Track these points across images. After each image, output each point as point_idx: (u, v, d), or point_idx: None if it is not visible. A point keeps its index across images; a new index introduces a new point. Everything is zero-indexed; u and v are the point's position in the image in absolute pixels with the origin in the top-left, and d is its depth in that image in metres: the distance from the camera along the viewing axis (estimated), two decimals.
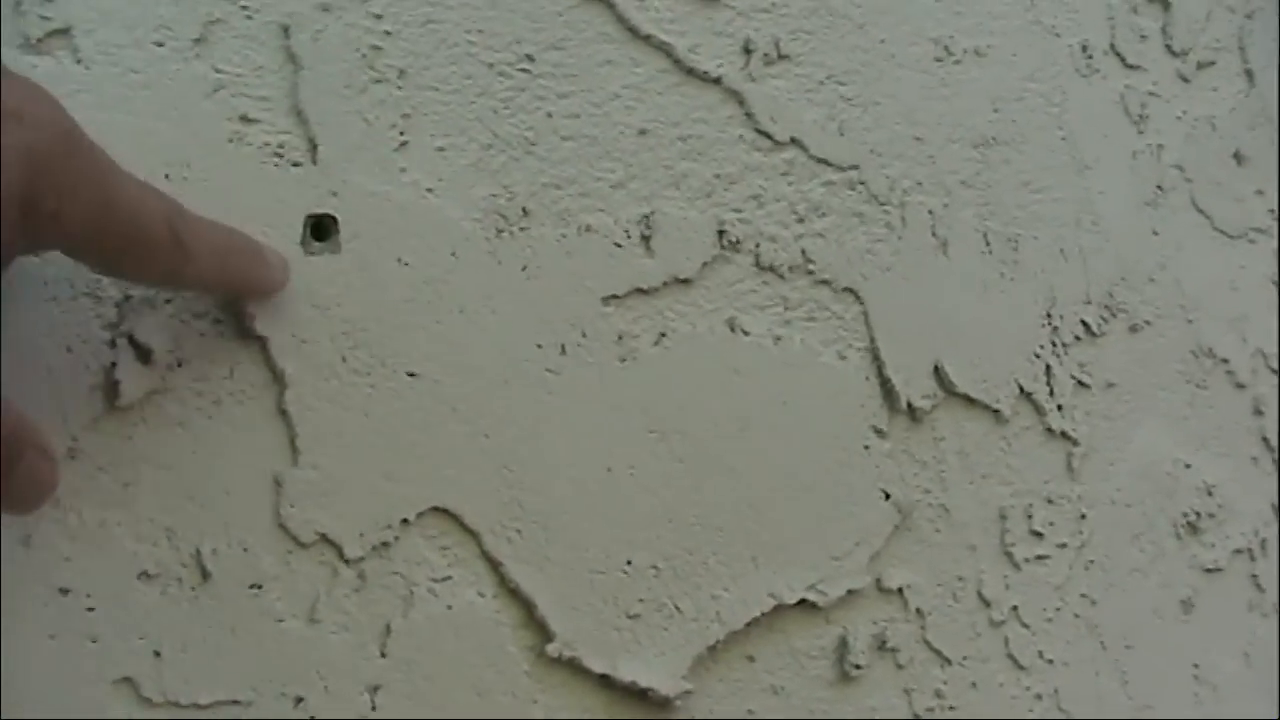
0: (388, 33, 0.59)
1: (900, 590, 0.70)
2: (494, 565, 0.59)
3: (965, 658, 0.72)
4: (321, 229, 0.57)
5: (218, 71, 0.56)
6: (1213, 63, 0.87)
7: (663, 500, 0.63)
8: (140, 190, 0.47)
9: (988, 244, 0.74)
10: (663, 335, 0.64)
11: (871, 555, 0.69)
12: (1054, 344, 0.77)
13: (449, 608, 0.58)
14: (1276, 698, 0.85)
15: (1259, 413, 0.86)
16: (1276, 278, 0.88)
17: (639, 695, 0.62)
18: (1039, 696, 0.74)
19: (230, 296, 0.55)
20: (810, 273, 0.68)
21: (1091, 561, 0.77)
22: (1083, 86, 0.80)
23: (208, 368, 0.55)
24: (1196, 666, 0.81)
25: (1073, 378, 0.77)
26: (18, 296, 0.51)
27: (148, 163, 0.53)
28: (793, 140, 0.68)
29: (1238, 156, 0.87)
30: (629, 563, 0.62)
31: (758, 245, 0.67)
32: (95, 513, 0.52)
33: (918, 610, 0.70)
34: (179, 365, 0.54)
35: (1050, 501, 0.76)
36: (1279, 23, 0.91)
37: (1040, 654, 0.74)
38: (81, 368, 0.52)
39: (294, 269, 0.56)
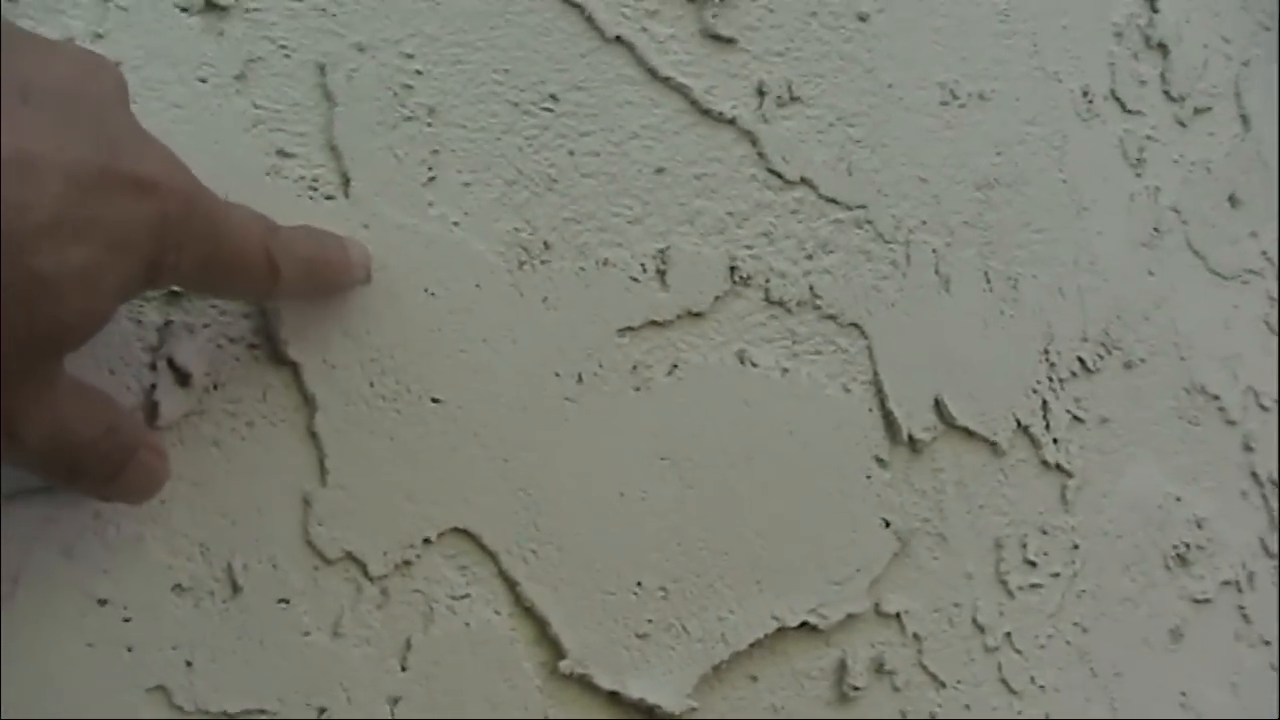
0: (419, 72, 0.61)
1: (898, 615, 0.72)
2: (510, 584, 0.61)
3: (959, 681, 0.74)
4: None
5: (257, 107, 0.58)
6: (1209, 108, 0.89)
7: (672, 524, 0.65)
8: (240, 224, 0.50)
9: (989, 282, 0.76)
10: (675, 366, 0.66)
11: (871, 581, 0.71)
12: (1051, 379, 0.79)
13: (467, 624, 0.60)
14: None
15: (1249, 449, 0.88)
16: (1271, 318, 0.90)
17: (646, 712, 0.64)
18: None
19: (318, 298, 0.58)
20: (817, 308, 0.70)
21: (1083, 591, 0.79)
22: (1083, 130, 0.82)
23: (242, 391, 0.57)
24: (1184, 695, 0.83)
25: (1068, 412, 0.79)
26: None
27: None
28: (803, 180, 0.70)
29: (1232, 200, 0.89)
30: (639, 584, 0.64)
31: (767, 280, 0.69)
32: (133, 527, 0.54)
33: (914, 635, 0.72)
34: (215, 388, 0.56)
35: (1044, 532, 0.78)
36: (1278, 71, 0.93)
37: (1032, 679, 0.76)
38: (123, 389, 0.54)
39: (325, 298, 0.58)
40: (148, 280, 0.46)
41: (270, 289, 0.52)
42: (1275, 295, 0.91)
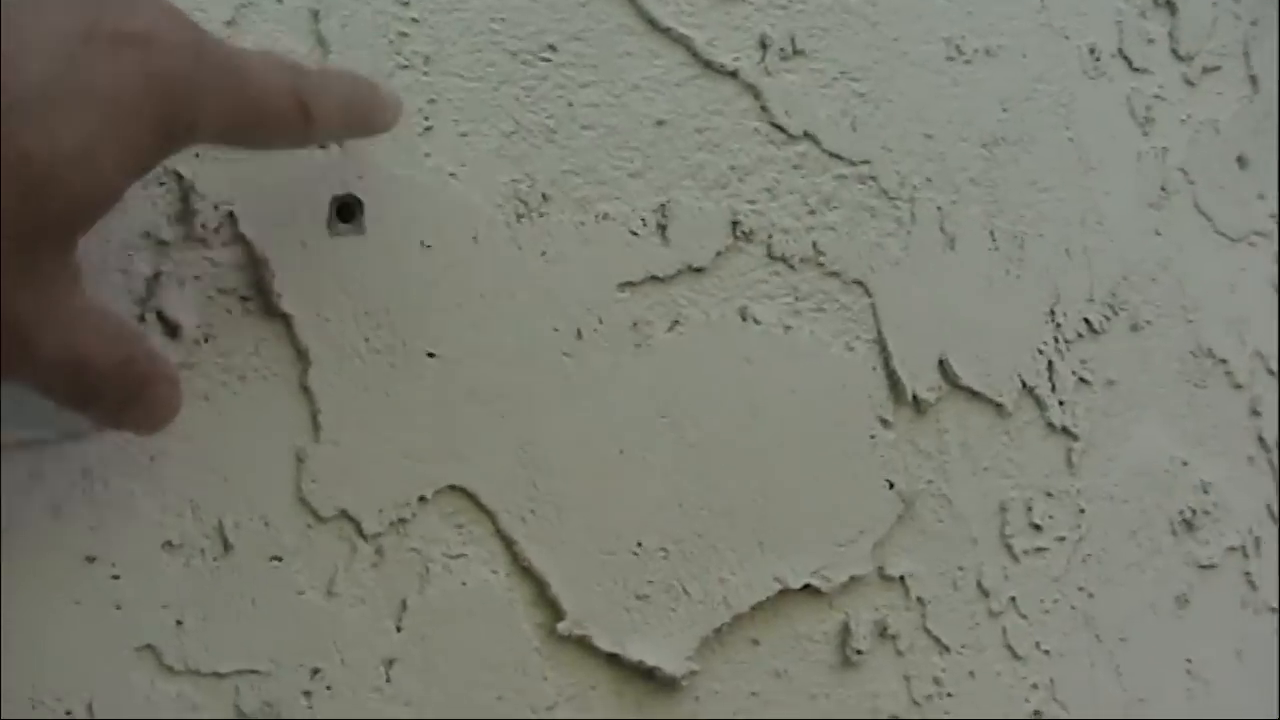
0: (414, 20, 0.60)
1: (902, 578, 0.71)
2: (508, 544, 0.60)
3: (964, 646, 0.73)
4: (347, 211, 0.58)
5: None
6: (1218, 67, 0.88)
7: (673, 484, 0.64)
8: (264, 70, 0.47)
9: (994, 241, 0.75)
10: (676, 322, 0.65)
11: (875, 543, 0.70)
12: (1057, 340, 0.78)
13: (463, 584, 0.59)
14: (1270, 694, 0.86)
15: (1256, 413, 0.87)
16: (1276, 280, 0.90)
17: (646, 674, 0.63)
18: (1035, 686, 0.75)
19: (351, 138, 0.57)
20: (820, 264, 0.69)
21: (1089, 555, 0.79)
22: (1090, 88, 0.81)
23: (234, 344, 0.55)
24: (1189, 661, 0.83)
25: (1074, 374, 0.79)
26: None
27: None
28: (806, 134, 0.69)
29: (1240, 160, 0.88)
30: (639, 544, 0.63)
31: (770, 236, 0.68)
32: (122, 483, 0.53)
33: (918, 598, 0.71)
34: (206, 341, 0.55)
35: (1050, 495, 0.77)
36: None
37: (1037, 645, 0.76)
38: None
39: (319, 250, 0.57)
40: (165, 143, 0.44)
41: (305, 132, 0.50)
42: None
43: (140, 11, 0.43)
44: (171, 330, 0.54)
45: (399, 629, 0.58)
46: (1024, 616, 0.75)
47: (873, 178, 0.71)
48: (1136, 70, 0.84)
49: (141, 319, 0.54)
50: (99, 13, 0.41)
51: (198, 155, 0.54)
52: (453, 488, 0.59)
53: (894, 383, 0.71)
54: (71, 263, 0.43)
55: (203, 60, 0.44)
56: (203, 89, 0.44)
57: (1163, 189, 0.84)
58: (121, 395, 0.47)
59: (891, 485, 0.71)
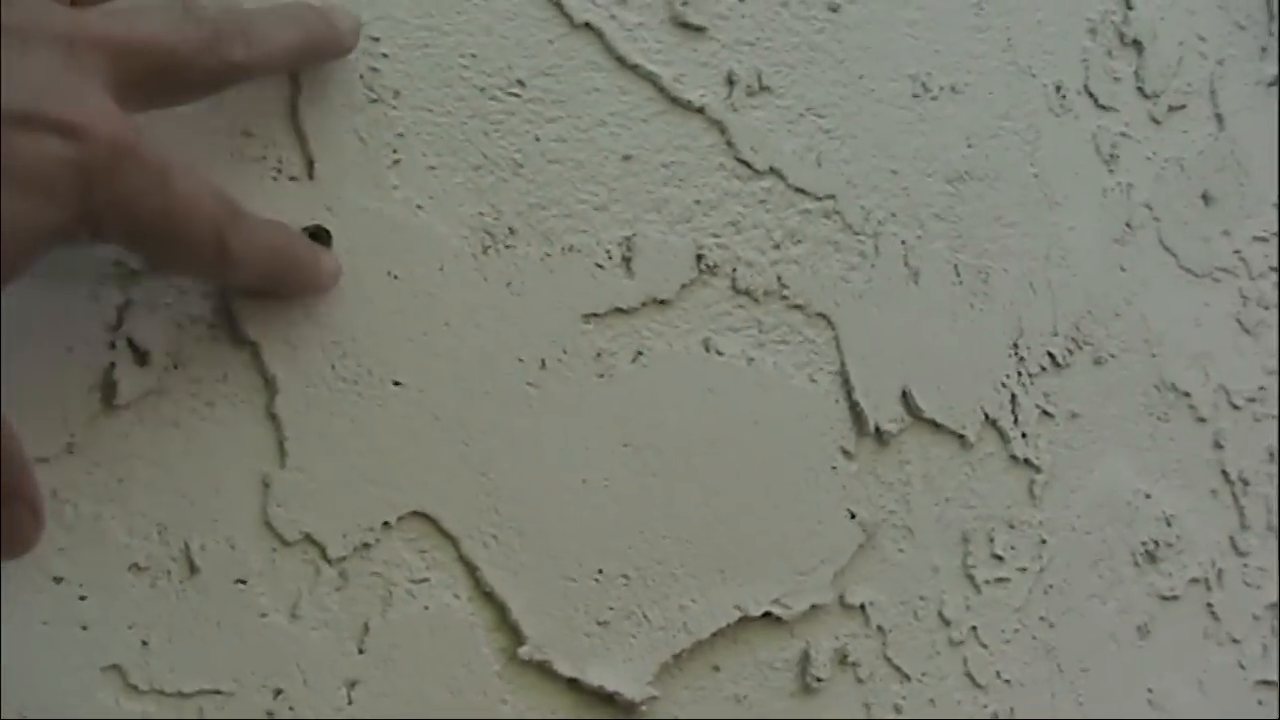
0: (385, 55, 0.61)
1: (863, 607, 0.72)
2: (470, 569, 0.61)
3: (924, 675, 0.74)
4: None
5: None
6: (1184, 106, 0.89)
7: (635, 512, 0.65)
8: (195, 196, 0.48)
9: (958, 275, 0.76)
10: (640, 354, 0.66)
11: (836, 572, 0.71)
12: (1020, 374, 0.79)
13: (426, 608, 0.60)
14: None
15: (1219, 446, 0.88)
16: (1242, 316, 0.90)
17: (606, 699, 0.64)
18: (995, 715, 0.76)
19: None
20: (784, 298, 0.70)
21: (1051, 586, 0.79)
22: (1056, 125, 0.82)
23: (202, 371, 0.56)
24: (1150, 692, 0.83)
25: (1037, 407, 0.79)
26: (21, 297, 0.53)
27: None
28: (772, 169, 0.70)
29: (1205, 197, 0.90)
30: (600, 571, 0.64)
31: (734, 269, 0.69)
32: (90, 506, 0.54)
33: (879, 627, 0.72)
34: (175, 367, 0.56)
35: (1012, 526, 0.78)
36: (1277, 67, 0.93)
37: (998, 674, 0.76)
38: (81, 367, 0.54)
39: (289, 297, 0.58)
40: (73, 230, 0.44)
41: (221, 272, 0.52)
42: (1247, 293, 0.91)
43: (85, 103, 0.44)
44: (141, 357, 0.55)
45: (361, 651, 0.59)
46: (985, 646, 0.76)
47: (838, 212, 0.72)
48: (1102, 108, 0.85)
49: (112, 345, 0.55)
50: (39, 98, 0.42)
51: None
52: (416, 513, 0.60)
53: (857, 414, 0.72)
54: None
55: (130, 159, 0.45)
56: (129, 187, 0.45)
57: (1127, 225, 0.85)
58: None
59: (853, 515, 0.72)
